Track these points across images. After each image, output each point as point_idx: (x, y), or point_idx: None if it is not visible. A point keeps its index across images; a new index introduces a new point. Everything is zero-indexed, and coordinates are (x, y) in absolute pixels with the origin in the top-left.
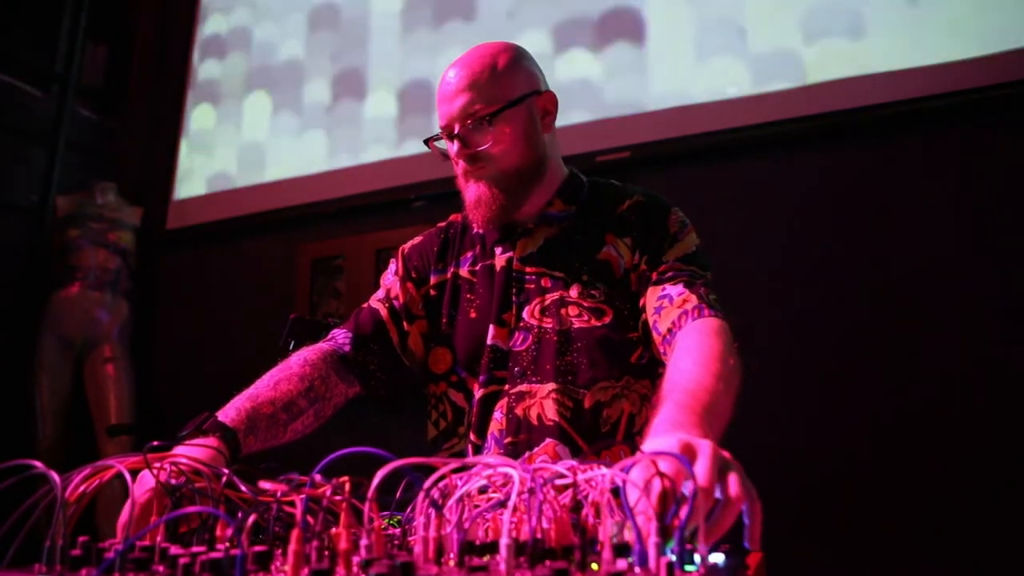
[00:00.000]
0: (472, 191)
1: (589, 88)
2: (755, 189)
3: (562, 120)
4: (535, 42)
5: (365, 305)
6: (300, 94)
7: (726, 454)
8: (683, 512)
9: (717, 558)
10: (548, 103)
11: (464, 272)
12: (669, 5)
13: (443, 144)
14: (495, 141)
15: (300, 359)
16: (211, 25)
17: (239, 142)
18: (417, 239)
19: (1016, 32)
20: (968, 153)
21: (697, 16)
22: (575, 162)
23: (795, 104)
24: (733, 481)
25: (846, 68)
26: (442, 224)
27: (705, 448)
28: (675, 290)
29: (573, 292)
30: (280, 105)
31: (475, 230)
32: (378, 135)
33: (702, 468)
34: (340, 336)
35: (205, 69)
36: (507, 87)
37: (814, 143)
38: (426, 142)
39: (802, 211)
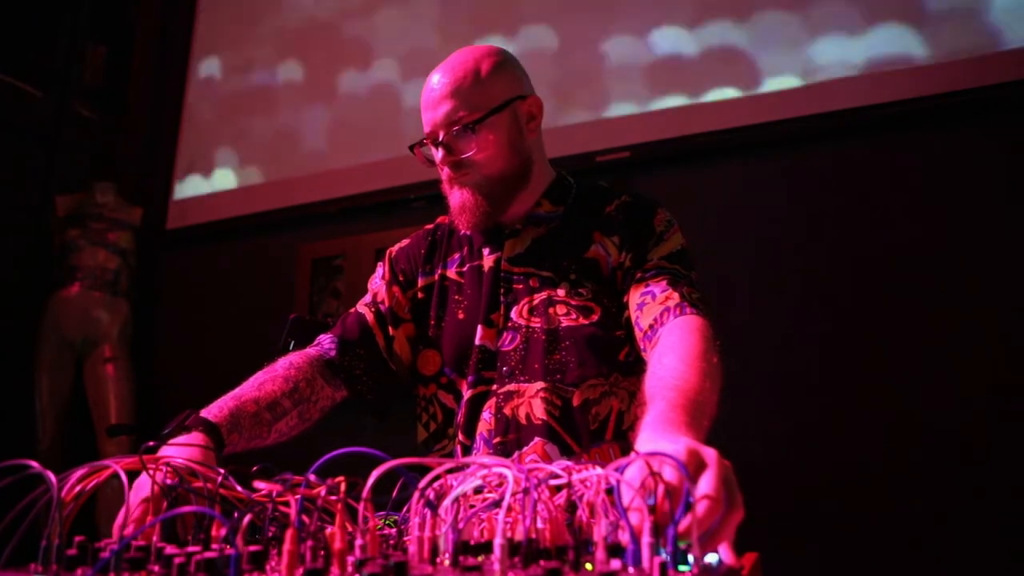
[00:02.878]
0: (456, 197)
1: (590, 87)
2: (755, 189)
3: (562, 120)
4: (535, 41)
5: (352, 310)
6: (300, 93)
7: (727, 463)
8: (687, 520)
9: (711, 558)
10: (533, 107)
11: (451, 273)
12: (670, 4)
13: (428, 151)
14: (479, 148)
15: (286, 362)
16: (211, 25)
17: (239, 142)
18: (404, 242)
19: (1016, 32)
20: (968, 153)
21: (697, 15)
22: (575, 162)
23: (795, 104)
24: (735, 493)
25: (846, 68)
26: (429, 226)
27: (713, 458)
28: (658, 287)
29: (561, 291)
30: (280, 104)
31: (463, 231)
32: (378, 135)
33: (712, 480)
34: (326, 341)
35: (205, 69)
36: (491, 93)
37: (814, 143)
38: (411, 148)
39: (802, 211)
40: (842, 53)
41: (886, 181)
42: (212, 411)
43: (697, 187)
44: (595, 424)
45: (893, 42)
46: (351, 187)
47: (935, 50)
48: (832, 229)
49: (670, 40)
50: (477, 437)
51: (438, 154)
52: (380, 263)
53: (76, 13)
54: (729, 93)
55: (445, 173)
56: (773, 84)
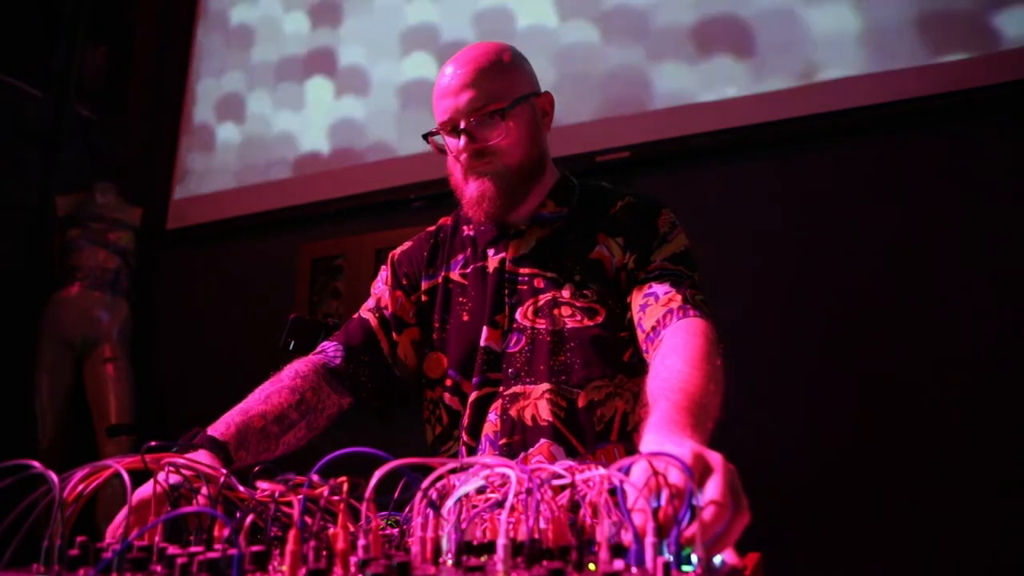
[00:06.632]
0: (474, 187)
1: (589, 88)
2: (755, 189)
3: (562, 120)
4: (535, 41)
5: (356, 315)
6: (300, 94)
7: (732, 467)
8: (693, 524)
9: (715, 559)
10: (546, 104)
11: (455, 275)
12: (670, 4)
13: (440, 140)
14: (504, 135)
15: (291, 372)
16: (211, 25)
17: (239, 141)
18: (407, 244)
19: (1016, 32)
20: (968, 153)
21: (698, 15)
22: (575, 162)
23: (795, 104)
24: (741, 497)
25: (846, 68)
26: (431, 228)
27: (718, 462)
28: (661, 289)
29: (566, 292)
30: (280, 105)
31: (466, 232)
32: (378, 135)
33: (718, 484)
34: (331, 349)
35: (205, 68)
36: (514, 84)
37: (814, 143)
38: (425, 137)
39: (801, 211)
40: (842, 53)
41: (886, 181)
42: (219, 428)
43: (697, 187)
44: (600, 425)
45: (893, 42)
46: (351, 187)
47: (935, 50)
48: (831, 229)
49: (669, 39)
50: (483, 439)
51: (456, 142)
52: (383, 267)
53: (76, 13)
54: (729, 93)
55: (464, 161)
56: (773, 84)
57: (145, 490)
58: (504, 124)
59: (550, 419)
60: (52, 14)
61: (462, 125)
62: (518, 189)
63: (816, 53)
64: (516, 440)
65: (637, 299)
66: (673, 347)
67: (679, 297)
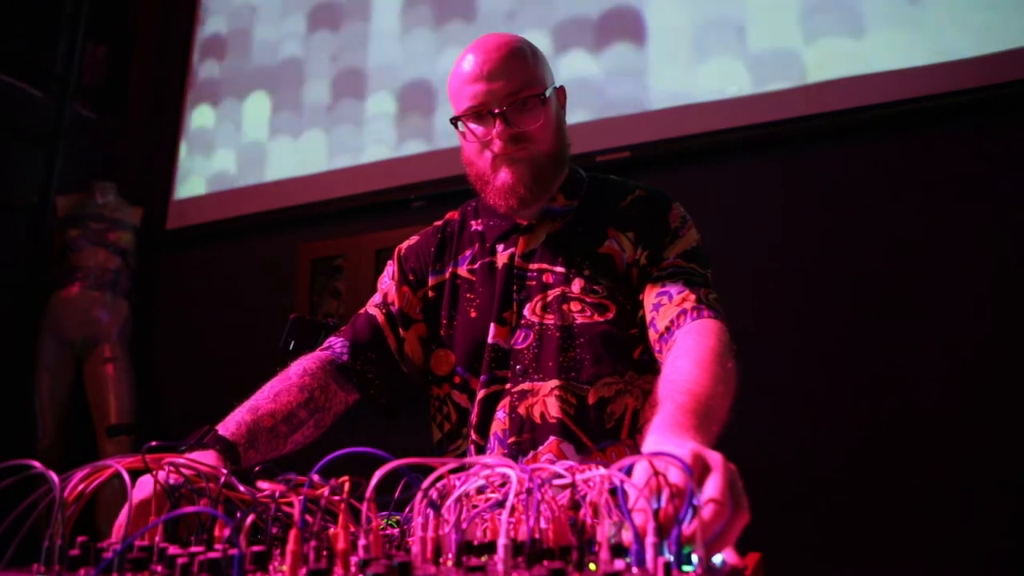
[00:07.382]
0: (507, 173)
1: (589, 88)
2: (755, 189)
3: None
4: (535, 42)
5: (362, 311)
6: (300, 94)
7: (732, 466)
8: (693, 523)
9: (715, 558)
10: (562, 97)
11: (463, 271)
12: (669, 5)
13: (462, 126)
14: (542, 121)
15: (299, 369)
16: (211, 25)
17: (239, 142)
18: (413, 239)
19: (1016, 32)
20: (968, 153)
21: (697, 16)
22: (574, 162)
23: (795, 104)
24: (741, 497)
25: (846, 68)
26: (439, 223)
27: (718, 461)
28: (675, 288)
29: (575, 287)
30: (280, 105)
31: (474, 227)
32: (378, 135)
33: (717, 483)
34: (338, 345)
35: (205, 69)
36: (544, 73)
37: (814, 143)
38: (453, 122)
39: (801, 211)
40: (842, 53)
41: (885, 181)
42: (229, 427)
43: (697, 187)
44: (610, 423)
45: (893, 42)
46: (351, 187)
47: (935, 50)
48: (831, 229)
49: (669, 39)
50: (491, 437)
51: (484, 129)
52: (389, 261)
53: (76, 13)
54: (729, 93)
55: (498, 147)
56: (773, 84)
57: (146, 489)
58: (541, 109)
59: (559, 416)
60: (52, 14)
61: (496, 110)
62: (550, 177)
63: (816, 53)
64: (525, 438)
65: (650, 298)
66: (685, 348)
67: (693, 297)
